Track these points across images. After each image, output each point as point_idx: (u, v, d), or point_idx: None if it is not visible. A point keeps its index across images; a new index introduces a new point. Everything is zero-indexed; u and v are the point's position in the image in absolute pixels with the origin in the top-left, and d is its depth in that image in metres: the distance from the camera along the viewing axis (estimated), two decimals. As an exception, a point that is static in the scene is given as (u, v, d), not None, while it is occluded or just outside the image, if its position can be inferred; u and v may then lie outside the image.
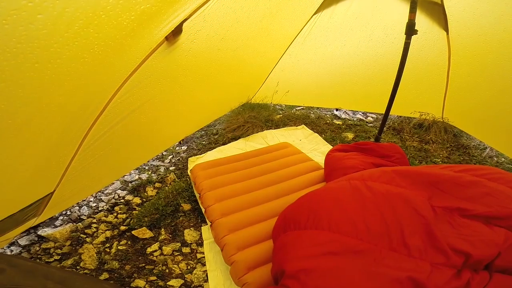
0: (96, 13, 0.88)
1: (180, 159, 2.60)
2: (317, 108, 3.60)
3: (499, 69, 2.13)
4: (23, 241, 1.70)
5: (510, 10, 1.83)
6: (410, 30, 1.85)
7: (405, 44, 1.91)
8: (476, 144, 2.80)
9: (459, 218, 1.10)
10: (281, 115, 3.35)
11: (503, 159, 2.61)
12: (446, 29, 2.28)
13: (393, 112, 2.69)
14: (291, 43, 2.79)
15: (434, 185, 1.21)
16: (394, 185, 1.25)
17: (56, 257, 1.63)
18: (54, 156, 1.28)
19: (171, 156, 2.65)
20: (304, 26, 2.63)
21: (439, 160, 2.59)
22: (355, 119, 3.36)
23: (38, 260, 1.61)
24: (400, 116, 3.25)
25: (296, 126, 3.08)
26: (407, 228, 1.06)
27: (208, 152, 2.54)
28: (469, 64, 2.34)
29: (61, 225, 1.84)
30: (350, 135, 2.96)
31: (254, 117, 3.01)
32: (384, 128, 3.01)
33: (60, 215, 1.92)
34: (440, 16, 2.23)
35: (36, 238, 1.74)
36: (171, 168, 2.46)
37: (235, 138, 2.80)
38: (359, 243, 1.04)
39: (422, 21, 2.28)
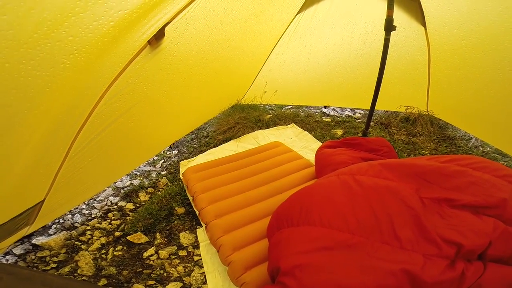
0: (65, 15, 0.88)
1: (172, 163, 2.60)
2: (306, 106, 3.64)
3: (478, 62, 2.19)
4: (17, 250, 1.68)
5: (483, 5, 1.89)
6: (389, 26, 1.89)
7: (385, 40, 1.95)
8: (462, 135, 2.88)
9: (447, 209, 1.12)
10: (271, 115, 3.37)
11: (488, 149, 2.69)
12: (424, 24, 2.34)
13: (379, 107, 2.75)
14: (277, 43, 2.82)
15: (421, 176, 1.24)
16: (382, 178, 1.28)
17: (53, 265, 1.62)
18: (40, 164, 1.28)
19: (162, 161, 2.64)
20: (288, 26, 2.67)
21: (427, 152, 2.66)
22: (343, 116, 3.41)
23: (35, 269, 1.59)
24: (387, 111, 3.31)
25: (286, 125, 3.11)
26: (397, 220, 1.08)
27: (200, 155, 2.54)
28: (449, 58, 2.40)
29: (55, 233, 1.82)
30: (339, 132, 3.01)
31: (245, 118, 3.02)
32: (372, 123, 3.08)
33: (53, 224, 1.90)
34: (418, 12, 2.29)
35: (30, 247, 1.72)
36: (163, 173, 2.46)
37: (226, 140, 2.81)
38: (351, 237, 1.06)
39: (401, 17, 2.34)
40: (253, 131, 2.94)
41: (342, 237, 1.07)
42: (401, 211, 1.11)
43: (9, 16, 0.75)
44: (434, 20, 2.26)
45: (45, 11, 0.82)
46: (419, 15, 2.30)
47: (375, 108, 2.29)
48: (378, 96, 2.17)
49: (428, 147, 2.72)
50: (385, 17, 1.88)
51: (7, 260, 1.64)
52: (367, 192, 1.20)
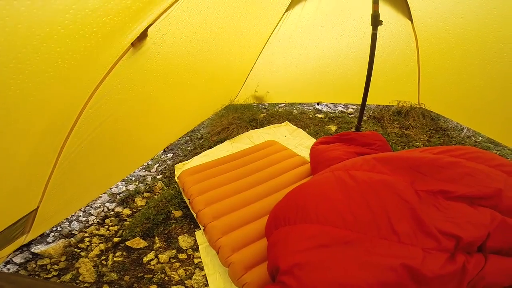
0: (54, 28, 0.88)
1: (167, 167, 2.58)
2: (299, 103, 3.65)
3: (464, 53, 2.22)
4: (18, 259, 1.67)
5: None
6: (375, 21, 1.89)
7: (372, 35, 1.95)
8: (454, 126, 2.91)
9: (443, 201, 1.11)
10: (264, 114, 3.37)
11: (480, 138, 2.72)
12: (410, 18, 2.35)
13: (372, 101, 2.76)
14: (266, 42, 2.81)
15: (415, 168, 1.24)
16: (376, 172, 1.27)
17: (54, 273, 1.61)
18: (30, 172, 1.27)
19: (157, 165, 2.63)
20: (277, 24, 2.66)
21: (420, 144, 2.68)
22: (336, 112, 3.42)
23: (36, 277, 1.58)
24: (379, 105, 3.34)
25: (280, 123, 3.11)
26: (394, 215, 1.07)
27: (194, 157, 2.53)
28: (436, 50, 2.43)
29: (53, 241, 1.80)
30: (333, 127, 3.03)
31: (238, 118, 3.02)
32: (365, 117, 3.10)
33: (51, 232, 1.88)
34: (403, 6, 2.30)
35: (30, 256, 1.71)
36: (158, 177, 2.45)
37: (220, 141, 2.81)
38: (349, 233, 1.06)
39: (387, 11, 2.35)
40: (247, 131, 2.94)
41: (339, 233, 1.07)
42: (397, 205, 1.10)
43: None
44: (420, 14, 2.28)
45: (33, 25, 0.81)
46: (405, 9, 2.31)
47: (368, 103, 2.31)
48: (370, 91, 2.18)
49: (421, 139, 2.75)
50: (371, 12, 1.89)
51: (8, 270, 1.62)
52: (362, 187, 1.19)
